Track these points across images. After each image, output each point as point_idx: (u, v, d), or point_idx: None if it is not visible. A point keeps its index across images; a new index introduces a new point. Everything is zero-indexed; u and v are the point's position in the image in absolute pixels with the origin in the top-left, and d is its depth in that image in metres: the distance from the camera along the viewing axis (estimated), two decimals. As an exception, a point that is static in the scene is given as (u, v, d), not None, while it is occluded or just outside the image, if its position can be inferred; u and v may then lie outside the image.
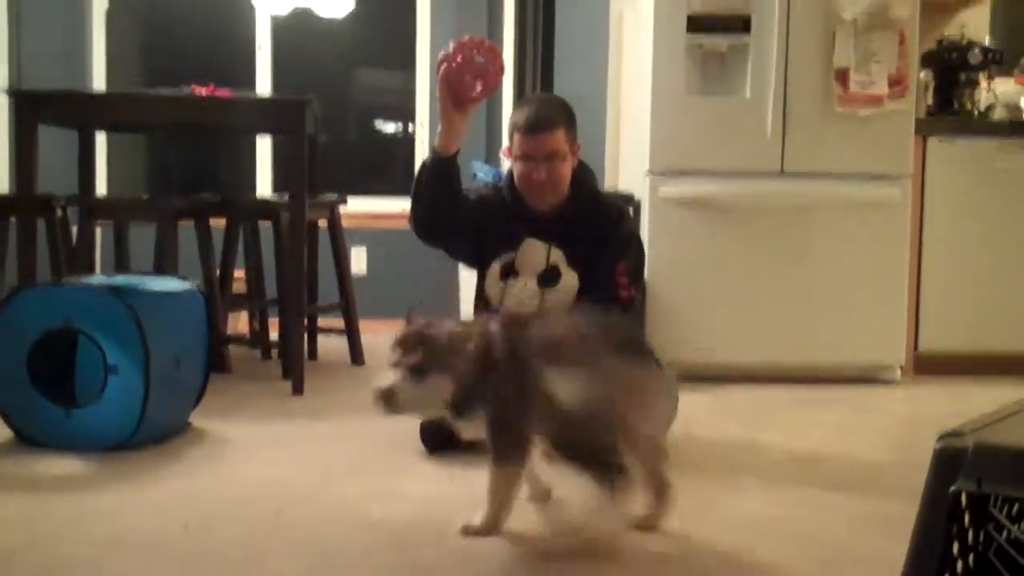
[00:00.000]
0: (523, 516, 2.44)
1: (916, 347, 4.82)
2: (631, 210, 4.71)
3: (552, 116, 3.19)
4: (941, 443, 1.16)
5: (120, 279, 3.38)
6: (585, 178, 3.33)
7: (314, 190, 4.57)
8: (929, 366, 4.81)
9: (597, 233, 3.22)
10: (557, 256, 3.23)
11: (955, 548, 1.14)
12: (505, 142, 3.32)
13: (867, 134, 4.56)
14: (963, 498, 1.12)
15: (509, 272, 3.26)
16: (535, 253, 3.24)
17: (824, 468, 3.09)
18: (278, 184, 6.18)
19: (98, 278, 3.51)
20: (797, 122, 4.54)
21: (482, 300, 3.34)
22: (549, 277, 3.24)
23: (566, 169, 3.20)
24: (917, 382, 4.66)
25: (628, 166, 5.12)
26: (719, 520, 2.54)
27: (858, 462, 3.17)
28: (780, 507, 2.65)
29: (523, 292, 3.24)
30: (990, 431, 1.18)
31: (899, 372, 4.69)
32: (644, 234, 4.61)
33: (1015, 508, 1.12)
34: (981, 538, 1.13)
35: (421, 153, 6.18)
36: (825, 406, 4.10)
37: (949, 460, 1.13)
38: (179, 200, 4.44)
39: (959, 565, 1.14)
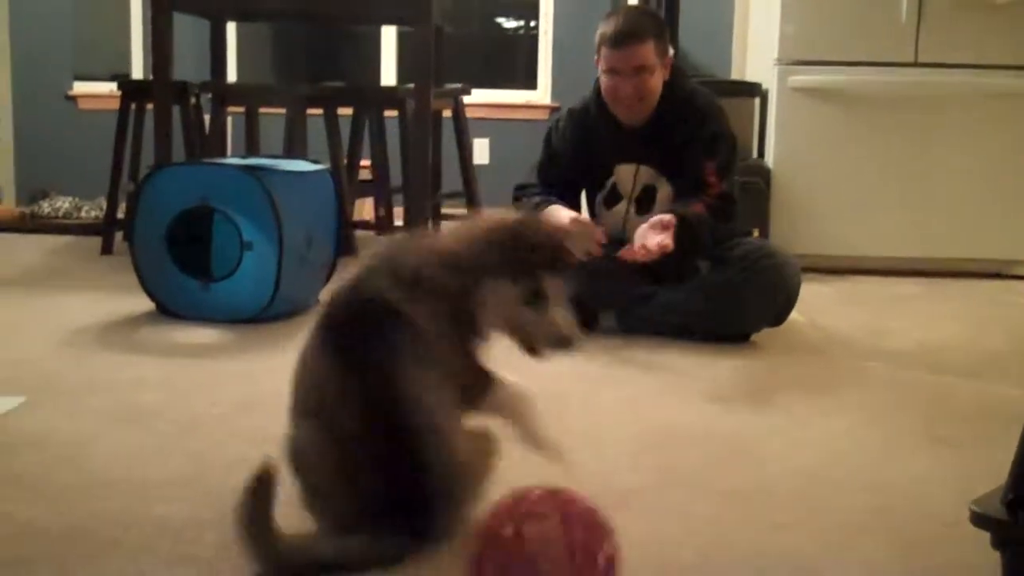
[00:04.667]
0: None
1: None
2: (758, 100, 4.64)
3: (640, 28, 3.10)
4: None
5: (253, 160, 3.48)
6: (677, 83, 3.22)
7: (439, 80, 4.60)
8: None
9: (686, 136, 3.17)
10: (648, 175, 3.20)
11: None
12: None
13: (1004, 24, 4.39)
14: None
15: (613, 198, 3.26)
16: (627, 176, 3.23)
17: (949, 356, 3.06)
18: (402, 75, 6.23)
19: (232, 159, 3.61)
20: (932, 10, 4.39)
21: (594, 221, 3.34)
22: (645, 197, 3.22)
23: (655, 83, 3.13)
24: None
25: (756, 55, 5.02)
26: (837, 405, 2.54)
27: (986, 352, 3.12)
28: (901, 391, 2.64)
29: (626, 216, 3.24)
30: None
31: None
32: (770, 124, 4.55)
33: None
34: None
35: (545, 48, 6.14)
36: (953, 299, 4.03)
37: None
38: (308, 87, 4.51)
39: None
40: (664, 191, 3.20)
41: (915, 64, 4.44)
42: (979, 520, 1.12)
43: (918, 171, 4.50)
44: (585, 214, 3.42)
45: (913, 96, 4.45)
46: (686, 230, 2.95)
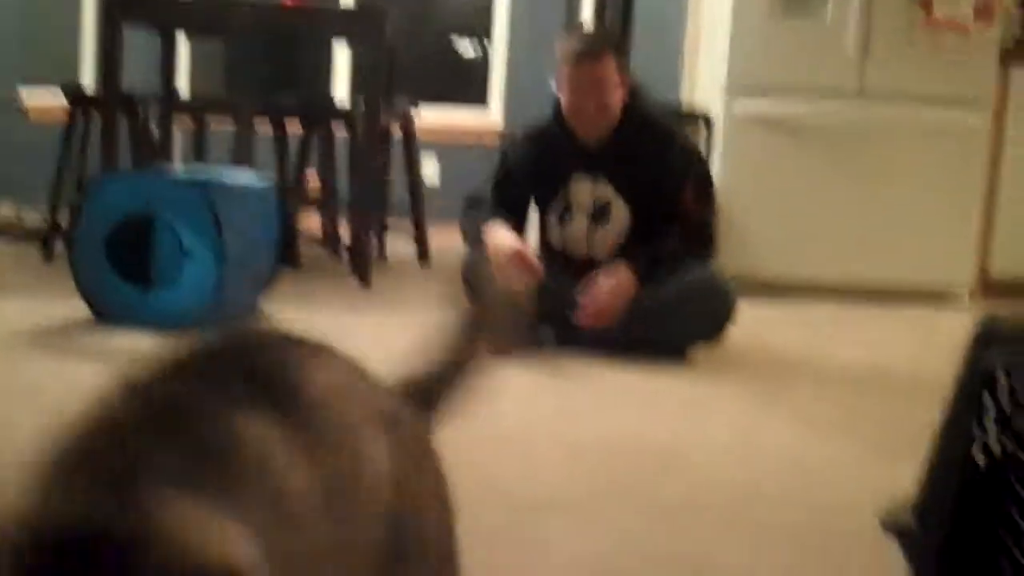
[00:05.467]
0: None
1: (986, 271, 4.79)
2: (705, 127, 4.70)
3: (601, 45, 3.17)
4: (979, 322, 1.18)
5: (198, 172, 3.47)
6: (636, 103, 3.26)
7: (389, 97, 4.62)
8: (997, 290, 4.78)
9: (650, 158, 3.21)
10: (607, 191, 3.24)
11: (987, 418, 1.17)
12: None
13: (949, 61, 4.49)
14: (997, 370, 1.14)
15: (565, 212, 3.29)
16: (584, 191, 3.26)
17: (882, 377, 3.11)
18: (356, 91, 6.23)
19: (178, 170, 3.60)
20: (879, 44, 4.49)
21: (545, 242, 3.38)
22: (600, 214, 3.25)
23: (616, 99, 3.18)
24: (985, 305, 4.62)
25: (704, 83, 5.08)
26: (765, 419, 2.58)
27: (919, 372, 3.17)
28: (834, 409, 2.68)
29: (577, 231, 3.27)
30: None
31: (967, 295, 4.66)
32: (717, 151, 4.60)
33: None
34: (1008, 409, 1.15)
35: (498, 70, 6.17)
36: (889, 322, 4.09)
37: (985, 336, 1.15)
38: (257, 100, 4.51)
39: (988, 434, 1.17)
40: (619, 209, 3.23)
41: (860, 95, 4.52)
42: (889, 529, 1.14)
43: (860, 198, 4.58)
44: (535, 230, 3.45)
45: (857, 126, 4.53)
46: (641, 278, 3.09)
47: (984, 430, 1.16)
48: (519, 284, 3.01)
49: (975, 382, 1.15)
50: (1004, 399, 1.15)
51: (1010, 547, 1.06)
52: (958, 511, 1.09)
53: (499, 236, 3.10)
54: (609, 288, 3.08)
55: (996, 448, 1.15)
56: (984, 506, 1.09)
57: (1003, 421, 1.16)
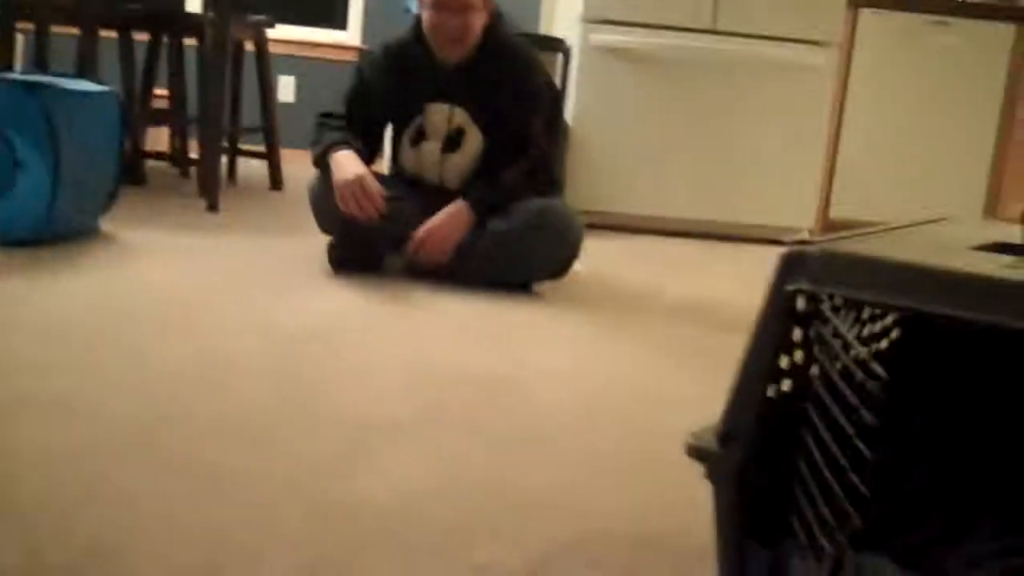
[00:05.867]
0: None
1: (827, 214, 4.94)
2: (561, 56, 4.70)
3: None
4: (787, 248, 1.21)
5: (35, 77, 3.32)
6: (497, 28, 3.25)
7: (243, 11, 4.49)
8: (837, 231, 4.92)
9: (507, 86, 3.21)
10: (462, 117, 3.22)
11: (793, 342, 1.21)
12: None
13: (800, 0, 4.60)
14: (799, 298, 1.18)
15: (419, 137, 3.26)
16: (440, 116, 3.24)
17: (721, 313, 3.19)
18: (206, 5, 6.03)
19: (13, 75, 3.44)
20: (731, -20, 4.56)
21: (397, 165, 3.36)
22: (453, 140, 3.24)
23: (477, 21, 3.16)
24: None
25: (563, 12, 5.09)
26: (607, 351, 2.63)
27: (751, 308, 3.27)
28: (673, 342, 2.75)
29: (430, 156, 3.25)
30: (837, 243, 1.23)
31: (808, 235, 4.80)
32: (572, 81, 4.62)
33: (846, 308, 1.19)
34: (811, 336, 1.20)
35: (358, -16, 6.06)
36: (733, 261, 4.20)
37: (792, 263, 1.18)
38: (103, 6, 4.33)
39: (789, 360, 1.21)
40: (473, 136, 3.22)
41: (713, 31, 4.58)
42: (693, 452, 1.18)
43: (710, 135, 4.67)
44: (387, 151, 3.42)
45: (708, 61, 4.60)
46: (478, 214, 3.12)
47: (783, 355, 1.20)
48: (361, 212, 3.00)
49: (778, 308, 1.19)
50: (804, 324, 1.19)
51: (801, 468, 1.12)
52: (756, 434, 1.14)
53: (343, 162, 3.06)
54: (440, 226, 3.10)
55: (793, 373, 1.20)
56: (780, 429, 1.14)
57: (802, 346, 1.21)
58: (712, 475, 1.17)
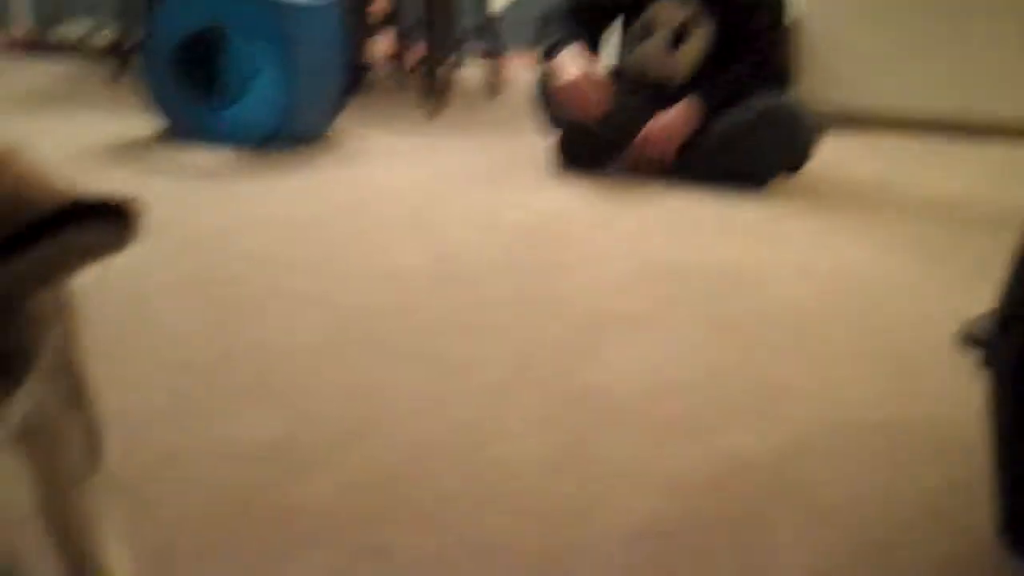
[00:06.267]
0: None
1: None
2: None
3: None
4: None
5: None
6: None
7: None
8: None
9: None
10: (689, 12, 3.11)
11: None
12: None
13: None
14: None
15: (645, 32, 3.18)
16: (667, 11, 3.13)
17: (965, 210, 3.01)
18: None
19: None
20: None
21: (620, 62, 3.28)
22: (680, 36, 3.13)
23: None
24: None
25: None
26: (840, 246, 2.52)
27: (1007, 207, 3.07)
28: (909, 237, 2.62)
29: (656, 52, 3.16)
30: None
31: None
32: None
33: None
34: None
35: None
36: (974, 157, 3.95)
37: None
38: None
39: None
40: (700, 31, 3.12)
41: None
42: (968, 340, 1.11)
43: (951, 22, 4.37)
44: (613, 46, 3.35)
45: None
46: (705, 112, 3.02)
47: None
48: (590, 111, 2.96)
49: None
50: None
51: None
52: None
53: (568, 61, 3.01)
54: (667, 124, 3.02)
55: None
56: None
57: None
58: (990, 361, 1.09)
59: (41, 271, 0.56)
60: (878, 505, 1.28)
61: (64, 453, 0.83)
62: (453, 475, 1.28)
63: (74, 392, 0.82)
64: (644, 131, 3.04)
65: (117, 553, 0.87)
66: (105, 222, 0.56)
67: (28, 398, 0.60)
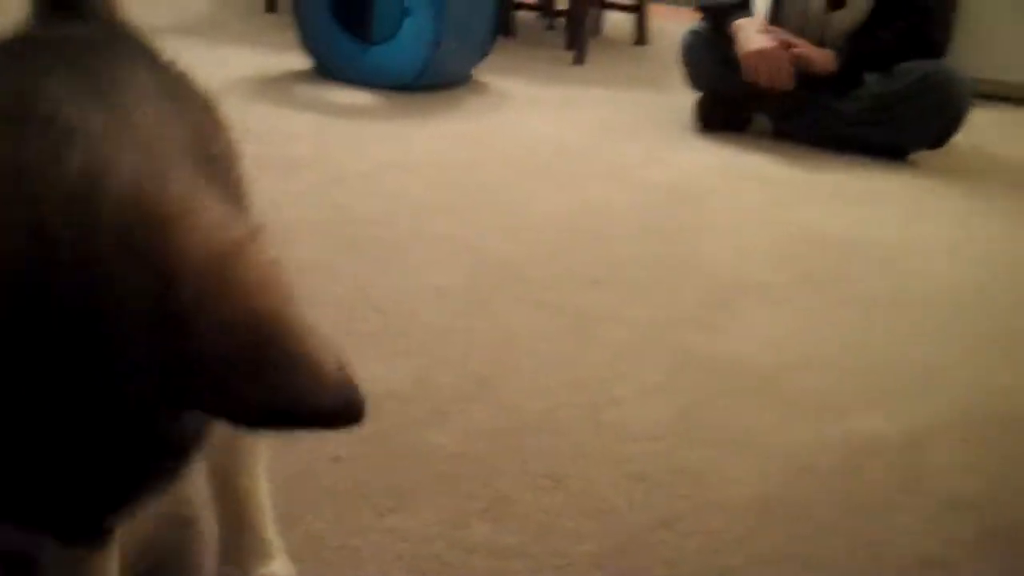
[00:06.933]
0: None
1: None
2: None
3: None
4: None
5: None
6: None
7: None
8: None
9: None
10: None
11: None
12: None
13: None
14: None
15: None
16: None
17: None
18: None
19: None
20: None
21: (776, 21, 3.20)
22: None
23: None
24: None
25: None
26: (985, 225, 2.45)
27: None
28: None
29: (815, 11, 3.07)
30: None
31: None
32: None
33: None
34: None
35: None
36: None
37: None
38: None
39: None
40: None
41: None
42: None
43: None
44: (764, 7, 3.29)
45: None
46: (842, 65, 2.96)
47: None
48: (780, 80, 2.91)
49: None
50: None
51: None
52: None
53: (751, 30, 2.96)
54: (797, 47, 2.94)
55: None
56: None
57: None
58: None
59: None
60: (1006, 497, 1.25)
61: None
62: (575, 432, 1.30)
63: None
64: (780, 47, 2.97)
65: (263, 489, 0.92)
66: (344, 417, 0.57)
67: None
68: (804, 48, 2.94)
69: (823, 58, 2.95)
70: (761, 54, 2.90)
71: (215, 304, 0.52)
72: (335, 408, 0.54)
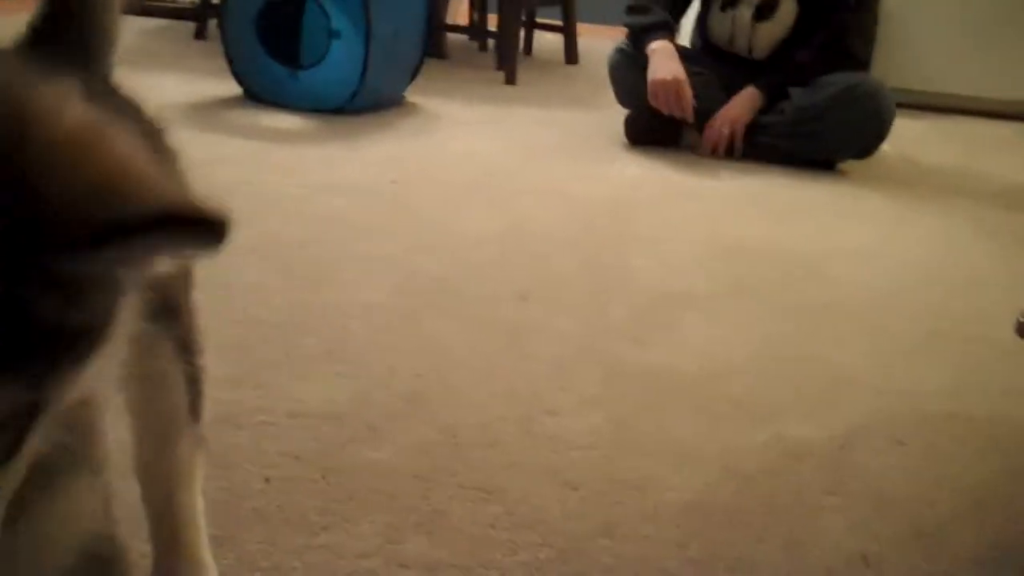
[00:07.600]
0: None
1: None
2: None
3: None
4: None
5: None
6: None
7: None
8: None
9: None
10: None
11: None
12: None
13: None
14: None
15: (731, 3, 3.16)
16: None
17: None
18: None
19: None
20: None
21: (703, 32, 3.27)
22: (766, 8, 3.11)
23: None
24: None
25: None
26: (911, 232, 2.50)
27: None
28: (981, 227, 2.59)
29: (741, 25, 3.14)
30: None
31: None
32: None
33: None
34: None
35: None
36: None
37: None
38: None
39: None
40: (787, 4, 3.09)
41: None
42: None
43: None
44: (690, 18, 3.35)
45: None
46: (769, 98, 3.07)
47: None
48: (678, 110, 2.98)
49: None
50: None
51: None
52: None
53: (662, 57, 3.02)
54: (729, 108, 3.02)
55: None
56: None
57: None
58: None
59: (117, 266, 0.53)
60: (932, 496, 1.28)
61: (168, 401, 0.85)
62: (509, 444, 1.31)
63: (183, 342, 0.83)
64: (709, 122, 3.05)
65: (199, 507, 0.91)
66: (196, 231, 0.52)
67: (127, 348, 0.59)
68: (728, 123, 3.05)
69: (748, 108, 3.03)
70: (663, 84, 2.98)
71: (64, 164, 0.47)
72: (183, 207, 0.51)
